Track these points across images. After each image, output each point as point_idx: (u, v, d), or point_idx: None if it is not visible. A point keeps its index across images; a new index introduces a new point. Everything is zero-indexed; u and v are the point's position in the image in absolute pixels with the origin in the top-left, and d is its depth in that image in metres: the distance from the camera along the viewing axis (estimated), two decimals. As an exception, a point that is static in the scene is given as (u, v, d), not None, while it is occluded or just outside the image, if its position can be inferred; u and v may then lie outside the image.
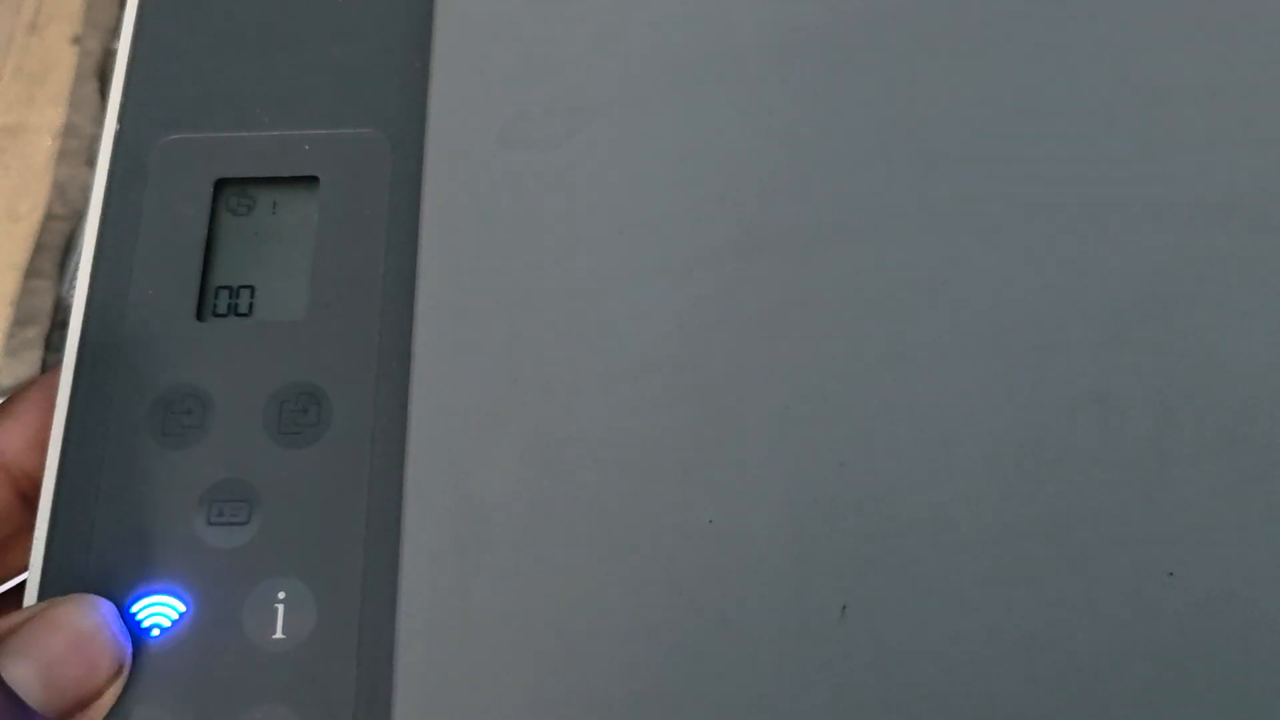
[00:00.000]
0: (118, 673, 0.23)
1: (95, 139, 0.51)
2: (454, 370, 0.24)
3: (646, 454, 0.23)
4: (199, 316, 0.26)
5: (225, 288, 0.26)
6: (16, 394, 0.27)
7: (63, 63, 0.53)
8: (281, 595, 0.24)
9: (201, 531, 0.24)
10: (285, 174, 0.27)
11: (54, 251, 0.49)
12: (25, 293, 0.48)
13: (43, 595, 0.24)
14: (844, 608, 0.22)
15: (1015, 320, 0.24)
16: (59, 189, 0.50)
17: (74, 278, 0.49)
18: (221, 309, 0.26)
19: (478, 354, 0.24)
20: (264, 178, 0.27)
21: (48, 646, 0.22)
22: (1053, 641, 0.22)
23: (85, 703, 0.22)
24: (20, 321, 0.48)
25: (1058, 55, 0.26)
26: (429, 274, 0.25)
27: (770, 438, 0.23)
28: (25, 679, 0.21)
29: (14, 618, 0.22)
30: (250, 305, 0.26)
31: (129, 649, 0.23)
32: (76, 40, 0.53)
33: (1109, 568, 0.22)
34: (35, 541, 0.25)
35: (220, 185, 0.27)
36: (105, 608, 0.23)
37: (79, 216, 0.50)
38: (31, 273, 0.49)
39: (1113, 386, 0.24)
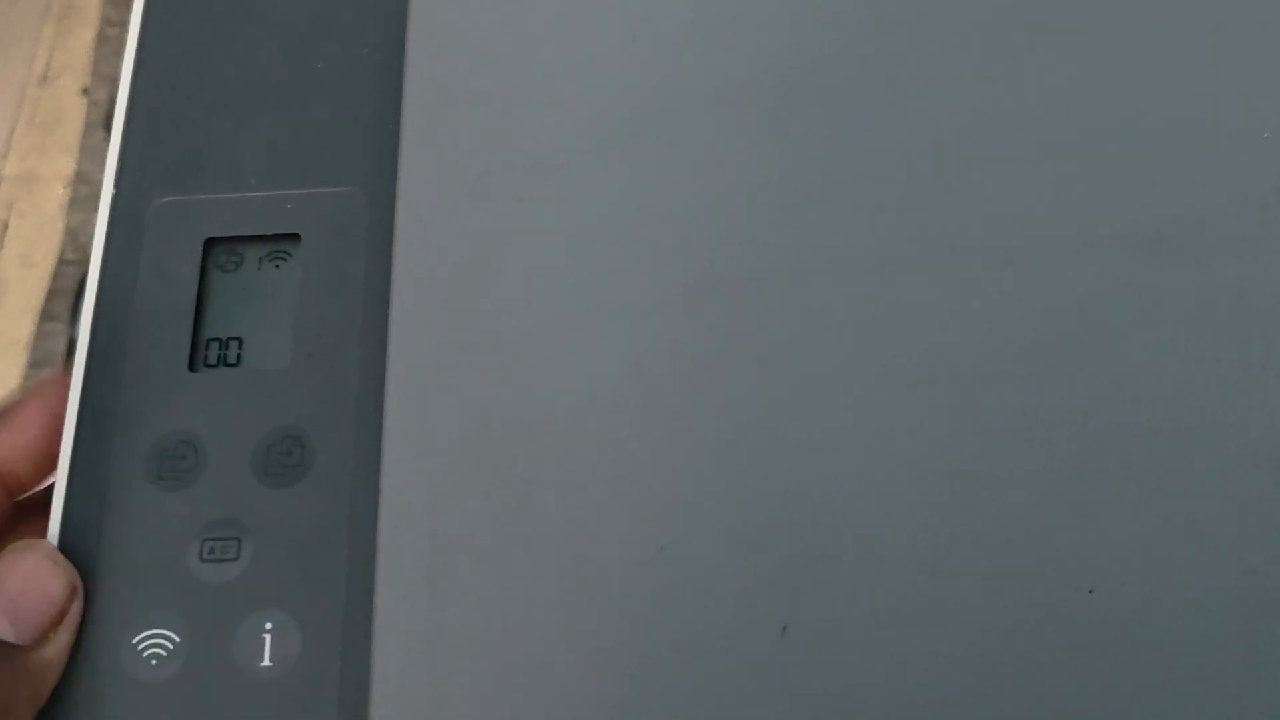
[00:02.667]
0: (74, 591, 0.26)
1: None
2: (424, 413, 0.26)
3: (602, 488, 0.25)
4: (191, 367, 0.28)
5: (216, 339, 0.28)
6: (11, 404, 0.29)
7: (73, 113, 0.55)
8: (269, 626, 0.25)
9: (195, 568, 0.26)
10: (270, 232, 0.29)
11: (67, 295, 0.52)
12: (40, 335, 0.51)
13: (51, 630, 0.26)
14: (784, 628, 0.24)
15: (947, 353, 0.26)
16: (71, 235, 0.52)
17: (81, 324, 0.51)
18: (212, 360, 0.28)
19: (446, 397, 0.26)
20: (250, 236, 0.29)
21: (3, 592, 0.25)
22: (980, 657, 0.23)
23: (55, 621, 0.25)
24: (36, 363, 0.50)
25: (983, 97, 0.28)
26: (400, 322, 0.27)
27: (717, 469, 0.25)
28: None
29: None
30: (239, 356, 0.28)
31: (74, 569, 0.26)
32: (85, 91, 0.56)
33: (1033, 586, 0.24)
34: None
35: (210, 244, 0.29)
36: (41, 545, 0.26)
37: (89, 262, 0.52)
38: (45, 316, 0.51)
39: (1040, 414, 0.25)
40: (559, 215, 0.27)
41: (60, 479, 0.27)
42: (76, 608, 0.26)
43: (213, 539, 0.26)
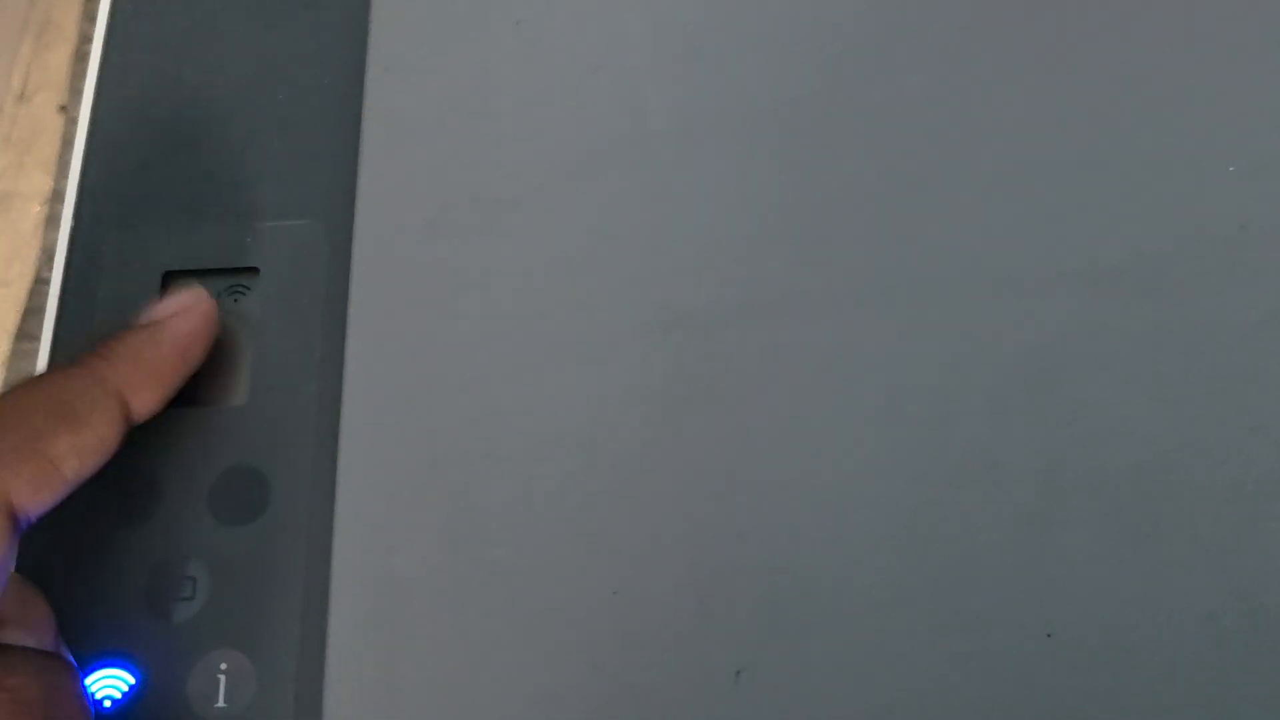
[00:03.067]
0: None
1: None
2: (378, 452, 0.26)
3: (556, 530, 0.25)
4: (148, 403, 0.27)
5: (174, 373, 0.28)
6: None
7: (50, 131, 0.55)
8: (224, 666, 0.25)
9: (150, 607, 0.26)
10: (229, 265, 0.28)
11: (43, 314, 0.51)
12: (15, 355, 0.50)
13: (5, 669, 0.26)
14: (738, 672, 0.23)
15: (908, 393, 0.25)
16: (47, 253, 0.52)
17: (39, 356, 0.51)
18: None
19: (400, 436, 0.26)
20: (209, 269, 0.29)
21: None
22: (937, 702, 0.23)
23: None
24: (11, 382, 0.50)
25: (947, 135, 0.27)
26: (355, 359, 0.27)
27: (672, 511, 0.25)
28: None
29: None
30: (194, 392, 0.28)
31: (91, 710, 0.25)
32: (63, 109, 0.55)
33: (992, 630, 0.24)
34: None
35: (169, 276, 0.29)
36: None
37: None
38: (21, 336, 0.51)
39: (1001, 456, 0.25)
40: (519, 250, 0.27)
41: (17, 515, 0.27)
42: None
43: (168, 577, 0.26)
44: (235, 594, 0.26)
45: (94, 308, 0.28)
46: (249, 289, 0.28)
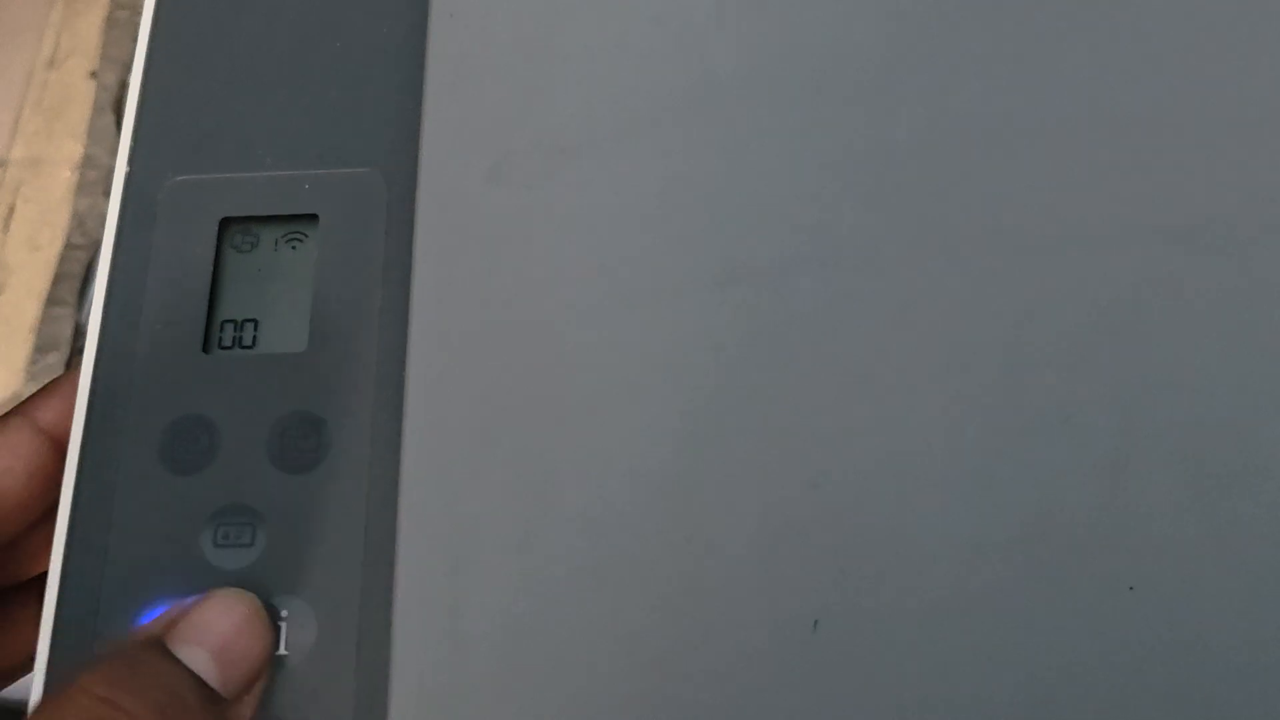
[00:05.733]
0: (269, 657, 0.24)
1: (113, 171, 0.53)
2: (445, 398, 0.25)
3: (627, 477, 0.24)
4: (205, 349, 0.27)
5: (230, 321, 0.28)
6: (55, 379, 0.29)
7: (81, 97, 0.55)
8: (285, 614, 0.25)
9: (209, 553, 0.26)
10: (286, 212, 0.28)
11: (73, 280, 0.51)
12: (46, 320, 0.50)
13: (59, 615, 0.26)
14: (816, 622, 0.23)
15: (982, 344, 0.25)
16: (78, 219, 0.52)
17: (92, 305, 0.50)
18: (227, 342, 0.27)
19: (467, 382, 0.25)
20: (266, 216, 0.28)
21: (214, 632, 0.23)
22: (1016, 654, 0.23)
23: (251, 682, 0.24)
24: (41, 348, 0.49)
25: (1023, 87, 0.27)
26: (421, 306, 0.26)
27: (746, 458, 0.24)
28: (202, 664, 0.23)
29: (171, 613, 0.24)
30: (254, 338, 0.27)
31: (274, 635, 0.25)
32: (94, 75, 0.55)
33: (1071, 582, 0.23)
34: (52, 562, 0.26)
35: (225, 224, 0.28)
36: (252, 598, 0.24)
37: (97, 246, 0.52)
38: (52, 300, 0.50)
39: (1077, 407, 0.25)
40: (582, 199, 0.27)
41: (71, 461, 0.27)
42: (264, 680, 0.24)
43: (227, 524, 0.26)
44: (295, 541, 0.25)
45: (149, 255, 0.28)
46: (307, 236, 0.28)
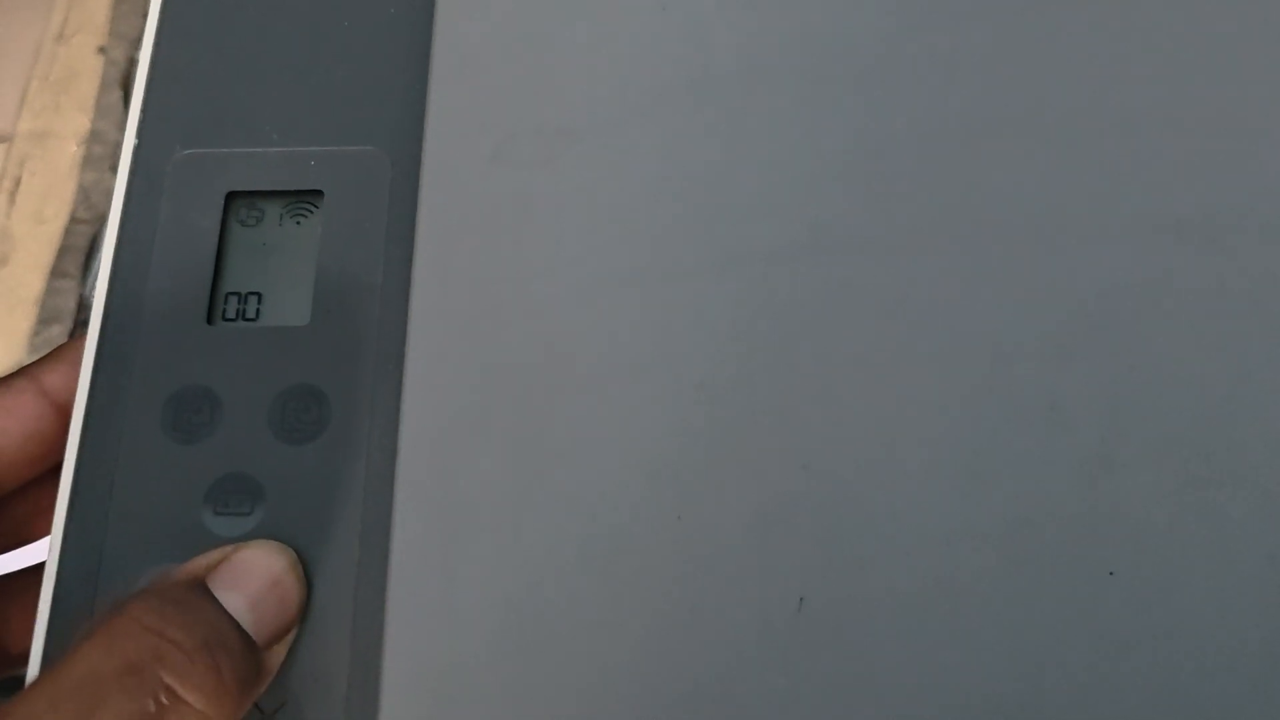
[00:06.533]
0: (300, 614, 0.25)
1: (119, 145, 0.53)
2: (444, 374, 0.26)
3: (620, 454, 0.25)
4: (209, 321, 0.28)
5: (235, 294, 0.28)
6: (62, 345, 0.29)
7: (89, 71, 0.55)
8: (281, 582, 0.25)
9: (208, 522, 0.26)
10: (292, 188, 0.28)
11: (78, 253, 0.51)
12: (50, 292, 0.50)
13: (60, 580, 0.26)
14: (801, 600, 0.23)
15: (973, 333, 0.26)
16: (83, 193, 0.52)
17: (97, 279, 0.51)
18: (231, 314, 0.28)
19: (467, 359, 0.26)
20: (272, 191, 0.29)
21: (251, 579, 0.24)
22: (998, 638, 0.23)
23: (281, 635, 0.24)
24: (45, 320, 0.50)
25: (1022, 79, 0.27)
26: (423, 283, 0.27)
27: (737, 439, 0.25)
28: (240, 609, 0.23)
29: (211, 556, 0.25)
30: (258, 311, 0.28)
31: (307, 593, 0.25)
32: (102, 50, 0.55)
33: (1053, 566, 0.24)
34: (54, 527, 0.27)
35: (231, 198, 0.29)
36: (289, 552, 0.25)
37: (102, 220, 0.52)
38: (56, 273, 0.51)
39: (1064, 397, 0.25)
40: (584, 181, 0.27)
41: (74, 427, 0.27)
42: (294, 632, 0.25)
43: (226, 493, 0.26)
44: (293, 510, 0.26)
45: (155, 227, 0.28)
46: (312, 211, 0.28)
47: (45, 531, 0.31)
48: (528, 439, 0.25)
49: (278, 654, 0.24)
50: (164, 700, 0.21)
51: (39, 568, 0.31)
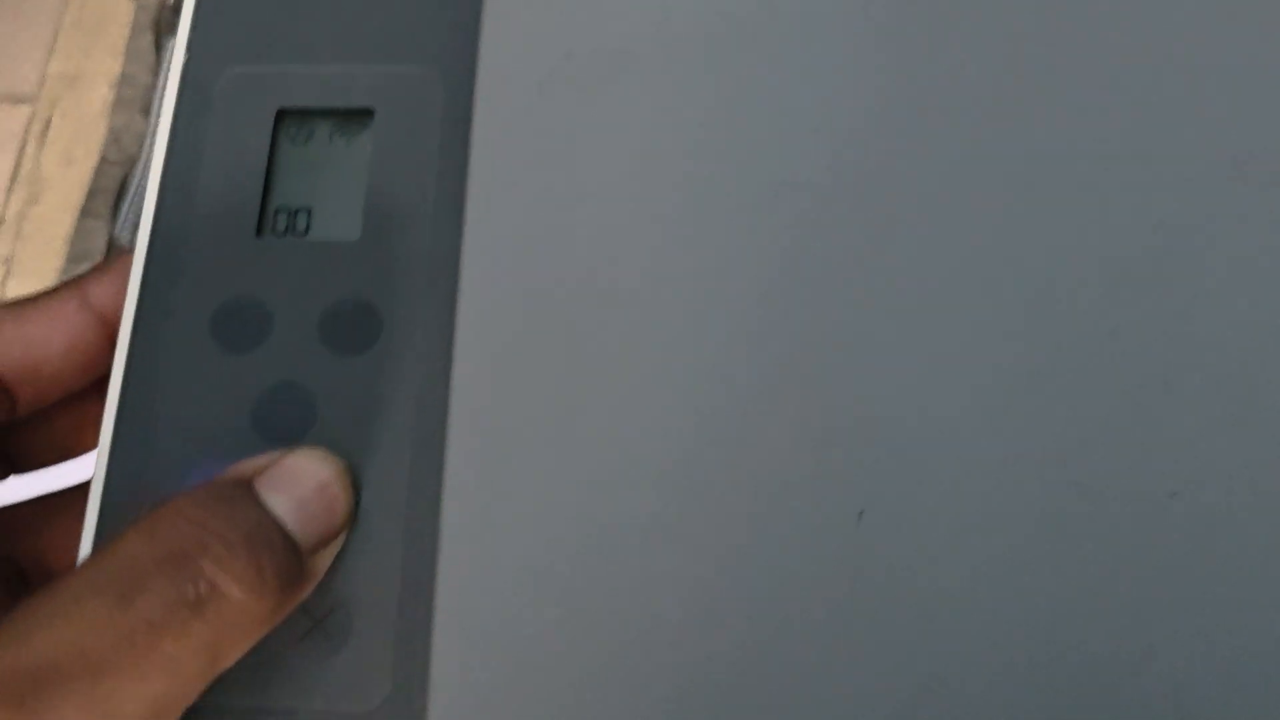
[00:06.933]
0: (346, 522, 0.25)
1: (150, 89, 0.53)
2: (498, 290, 0.26)
3: (676, 369, 0.25)
4: (259, 234, 0.27)
5: (284, 210, 0.28)
6: (108, 259, 0.29)
7: (120, 16, 0.55)
8: (331, 492, 0.25)
9: (257, 430, 0.26)
10: (342, 106, 0.28)
11: (108, 195, 0.51)
12: (79, 232, 0.50)
13: (107, 490, 0.26)
14: (861, 513, 0.23)
15: (1034, 259, 0.25)
16: (114, 135, 0.52)
17: (127, 218, 0.51)
18: (280, 229, 0.28)
19: (520, 271, 0.26)
20: (323, 109, 0.28)
21: (299, 483, 0.24)
22: (1056, 551, 0.23)
23: (327, 541, 0.24)
24: (74, 258, 0.50)
25: (1074, 17, 0.27)
26: (476, 201, 0.26)
27: (794, 354, 0.25)
28: (285, 511, 0.23)
29: (259, 459, 0.24)
30: (307, 226, 0.28)
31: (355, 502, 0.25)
32: (133, -7, 0.55)
33: (1113, 487, 0.24)
34: (101, 436, 0.26)
35: (281, 115, 0.28)
36: (338, 461, 0.25)
37: (132, 162, 0.52)
38: (86, 213, 0.51)
39: (1124, 323, 0.25)
40: (639, 104, 0.27)
41: (123, 336, 0.27)
42: (338, 543, 0.25)
43: (276, 402, 0.26)
44: (344, 421, 0.26)
45: (204, 143, 0.28)
46: (362, 130, 0.28)
47: (87, 447, 0.31)
48: (581, 354, 0.25)
49: (324, 559, 0.24)
50: (204, 589, 0.21)
51: (81, 487, 0.31)
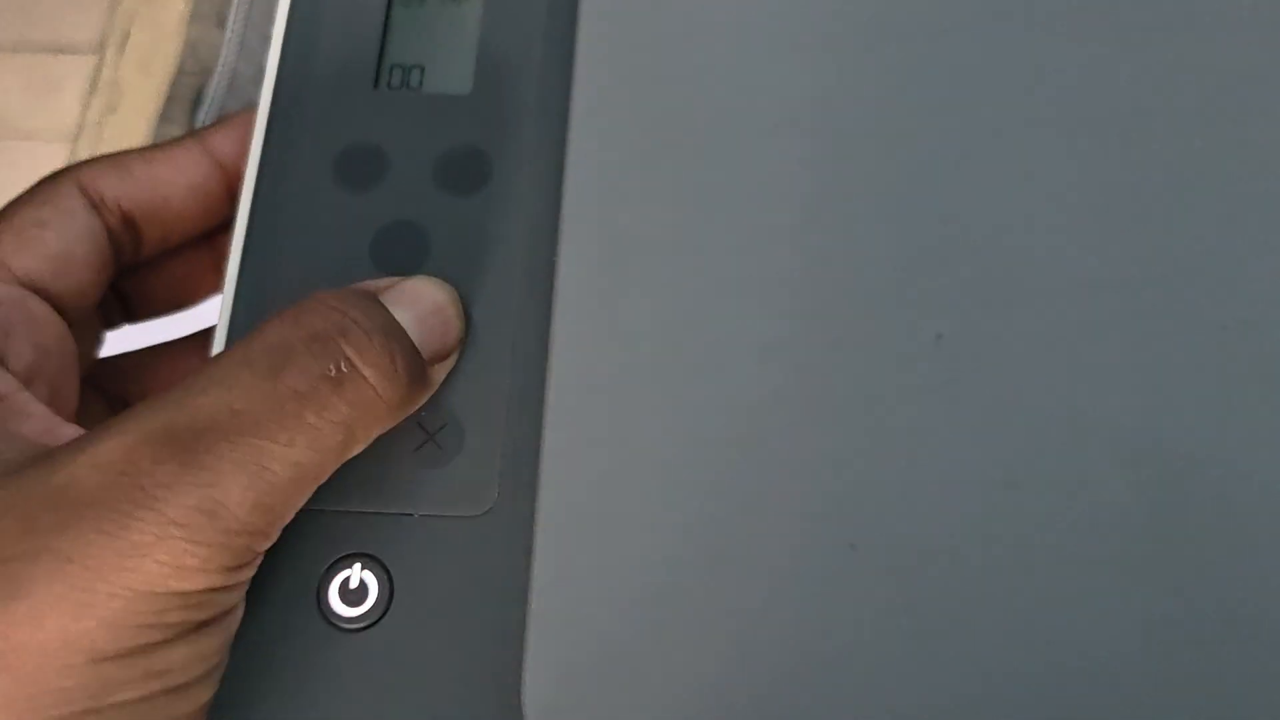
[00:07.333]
0: (459, 343, 0.27)
1: (225, 3, 0.55)
2: (607, 127, 0.28)
3: (776, 201, 0.27)
4: (375, 87, 0.29)
5: (399, 65, 0.30)
6: (229, 114, 0.31)
7: (196, -66, 0.57)
8: (449, 313, 0.27)
9: (375, 263, 0.28)
10: (453, -26, 0.30)
11: (184, 102, 0.53)
12: (157, 138, 0.52)
13: (235, 316, 0.28)
14: (939, 336, 0.25)
15: (1108, 126, 0.27)
16: (190, 47, 0.54)
17: (204, 126, 0.52)
18: (395, 83, 0.30)
19: (628, 120, 0.28)
20: (434, -26, 0.30)
21: (418, 302, 0.26)
22: (1128, 368, 0.25)
23: (441, 357, 0.26)
24: (154, 161, 0.51)
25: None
26: (585, 52, 0.28)
27: (883, 190, 0.26)
28: (406, 323, 0.25)
29: (381, 281, 0.27)
30: (420, 80, 0.30)
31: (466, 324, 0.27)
32: (209, -87, 0.57)
33: (1182, 316, 0.25)
34: (227, 273, 0.28)
35: None
36: (451, 289, 0.27)
37: (208, 73, 0.54)
38: (164, 119, 0.53)
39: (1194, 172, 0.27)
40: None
41: (249, 180, 0.29)
42: (447, 364, 0.27)
43: (393, 239, 0.28)
44: (456, 256, 0.28)
45: (323, 8, 0.30)
46: (472, -5, 0.30)
47: (198, 298, 0.33)
48: (684, 188, 0.27)
49: (438, 373, 0.26)
50: (344, 368, 0.23)
51: (189, 338, 0.33)
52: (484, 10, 0.30)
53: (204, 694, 0.23)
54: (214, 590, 0.22)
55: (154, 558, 0.20)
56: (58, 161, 0.55)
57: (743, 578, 0.25)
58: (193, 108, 0.53)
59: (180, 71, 0.54)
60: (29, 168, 0.56)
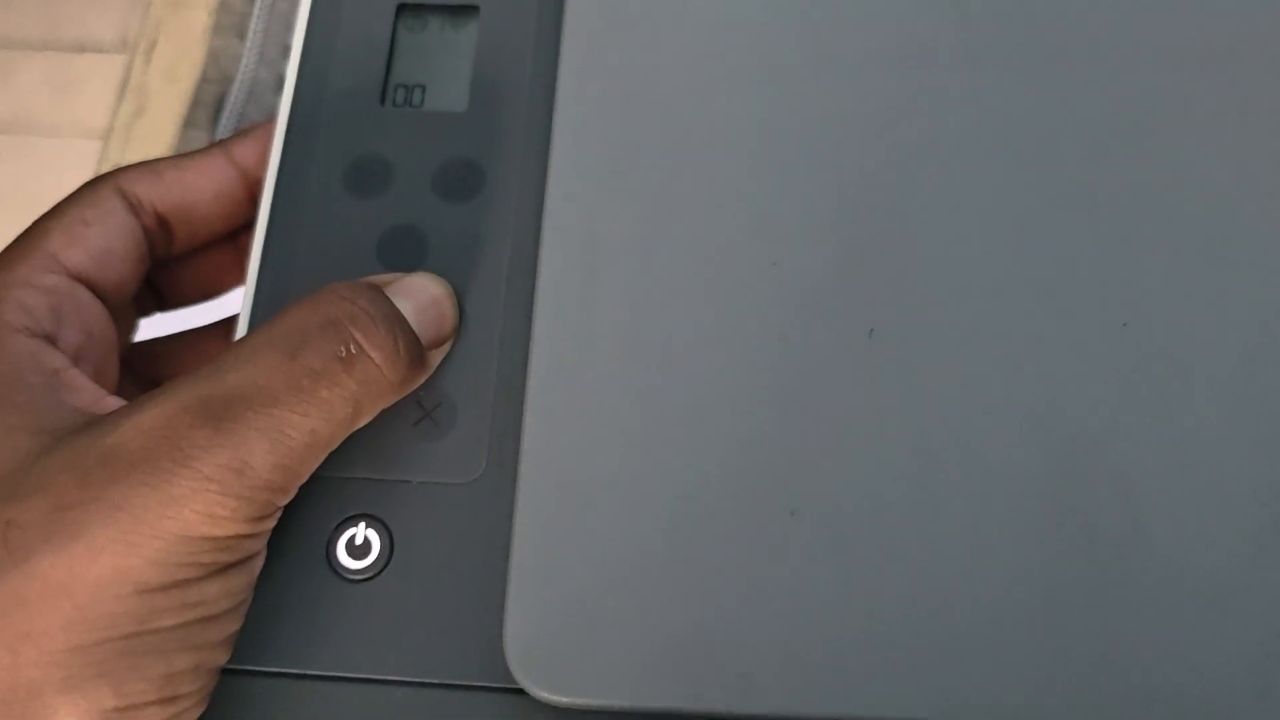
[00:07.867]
0: (453, 332, 0.31)
1: (246, 16, 0.59)
2: (588, 136, 0.31)
3: (732, 212, 0.30)
4: (381, 104, 0.33)
5: (403, 85, 0.34)
6: (250, 125, 0.34)
7: (219, -50, 0.60)
8: (442, 310, 0.31)
9: (380, 264, 0.32)
10: (453, 2, 0.34)
11: (208, 108, 0.57)
12: (182, 140, 0.56)
13: (256, 305, 0.32)
14: (871, 331, 0.29)
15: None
16: (213, 56, 0.58)
17: (226, 129, 0.56)
18: (399, 101, 0.33)
19: (605, 131, 0.31)
20: (435, 5, 0.34)
21: (418, 295, 0.30)
22: (1041, 360, 0.29)
23: (438, 344, 0.30)
24: (179, 162, 0.55)
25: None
26: (567, 75, 0.32)
27: (827, 202, 0.30)
28: (407, 313, 0.29)
29: (385, 276, 0.30)
30: (422, 99, 0.33)
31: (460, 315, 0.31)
32: (232, -70, 0.61)
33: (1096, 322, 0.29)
34: (249, 268, 0.32)
35: (400, 9, 0.34)
36: (446, 283, 0.31)
37: (229, 81, 0.58)
38: (188, 123, 0.56)
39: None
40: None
41: (268, 187, 0.33)
42: (442, 351, 0.30)
43: (396, 240, 0.32)
44: (452, 255, 0.31)
45: (337, 31, 0.34)
46: (468, 22, 0.34)
47: (223, 290, 0.37)
48: (651, 201, 0.31)
49: (435, 358, 0.30)
50: (353, 350, 0.27)
51: (215, 324, 0.37)
52: (479, 36, 0.34)
53: (231, 625, 0.26)
54: (241, 537, 0.25)
55: (191, 507, 0.24)
56: (81, 157, 0.59)
57: (698, 538, 0.28)
58: (215, 113, 0.57)
59: (204, 79, 0.58)
60: (53, 163, 0.60)
